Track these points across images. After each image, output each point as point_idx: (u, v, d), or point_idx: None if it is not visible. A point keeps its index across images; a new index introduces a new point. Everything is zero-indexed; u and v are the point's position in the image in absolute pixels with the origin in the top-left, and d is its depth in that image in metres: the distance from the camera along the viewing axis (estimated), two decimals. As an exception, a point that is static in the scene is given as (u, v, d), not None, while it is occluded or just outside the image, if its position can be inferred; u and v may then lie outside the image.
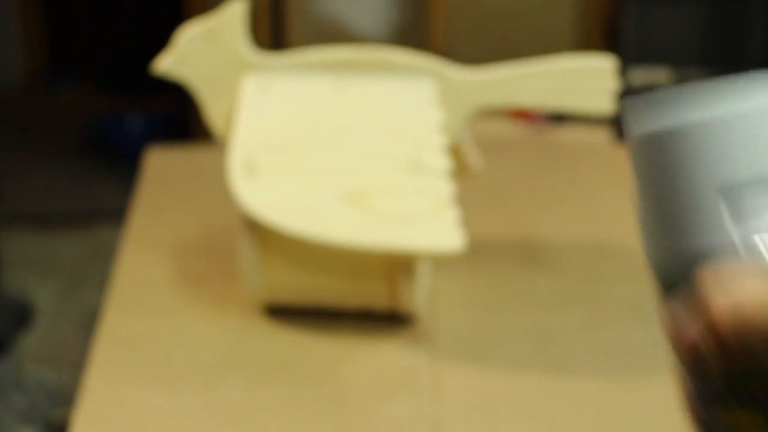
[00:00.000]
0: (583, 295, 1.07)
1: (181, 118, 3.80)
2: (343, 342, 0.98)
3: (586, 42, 3.42)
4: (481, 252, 1.15)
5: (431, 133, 0.97)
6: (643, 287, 1.08)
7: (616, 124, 3.10)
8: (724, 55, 3.50)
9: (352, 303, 1.00)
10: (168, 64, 0.97)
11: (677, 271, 0.44)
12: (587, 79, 1.00)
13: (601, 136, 1.49)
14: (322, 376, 0.93)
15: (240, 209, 0.94)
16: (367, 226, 0.92)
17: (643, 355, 0.97)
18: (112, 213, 3.56)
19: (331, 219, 0.92)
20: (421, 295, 0.99)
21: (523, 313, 1.03)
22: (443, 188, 0.94)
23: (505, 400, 0.90)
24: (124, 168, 3.95)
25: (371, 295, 1.00)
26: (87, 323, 2.93)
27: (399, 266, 0.96)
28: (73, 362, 2.55)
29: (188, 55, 0.96)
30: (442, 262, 1.10)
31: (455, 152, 1.07)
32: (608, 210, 1.26)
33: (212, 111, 0.99)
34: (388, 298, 0.99)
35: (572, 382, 0.93)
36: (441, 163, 0.95)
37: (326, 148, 0.96)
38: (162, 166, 1.39)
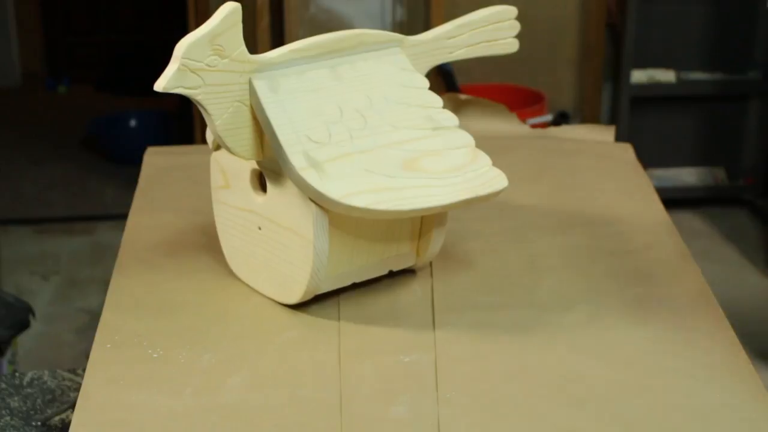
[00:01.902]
0: (584, 296, 1.06)
1: (181, 118, 3.80)
2: (343, 343, 0.98)
3: (588, 42, 3.42)
4: (481, 252, 1.15)
5: (427, 94, 1.05)
6: (645, 288, 1.08)
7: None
8: (727, 56, 3.50)
9: (379, 271, 1.07)
10: (169, 79, 0.93)
11: None
12: (499, 27, 1.17)
13: (603, 136, 1.49)
14: (322, 377, 0.93)
15: (319, 206, 0.96)
16: (436, 186, 0.98)
17: (645, 357, 0.96)
18: (112, 213, 3.56)
19: (405, 189, 0.97)
20: (439, 246, 1.08)
21: (525, 314, 1.03)
22: (466, 138, 1.03)
23: (507, 401, 0.90)
24: (124, 168, 3.96)
25: (397, 256, 1.06)
26: (86, 324, 2.93)
27: (429, 223, 1.05)
28: (72, 364, 2.54)
29: (189, 67, 0.93)
30: (443, 262, 1.10)
31: None
32: (610, 210, 1.26)
33: (219, 121, 0.96)
34: (412, 256, 1.08)
35: (574, 382, 0.92)
36: (451, 117, 1.04)
37: (361, 127, 1.00)
38: (161, 166, 1.39)
